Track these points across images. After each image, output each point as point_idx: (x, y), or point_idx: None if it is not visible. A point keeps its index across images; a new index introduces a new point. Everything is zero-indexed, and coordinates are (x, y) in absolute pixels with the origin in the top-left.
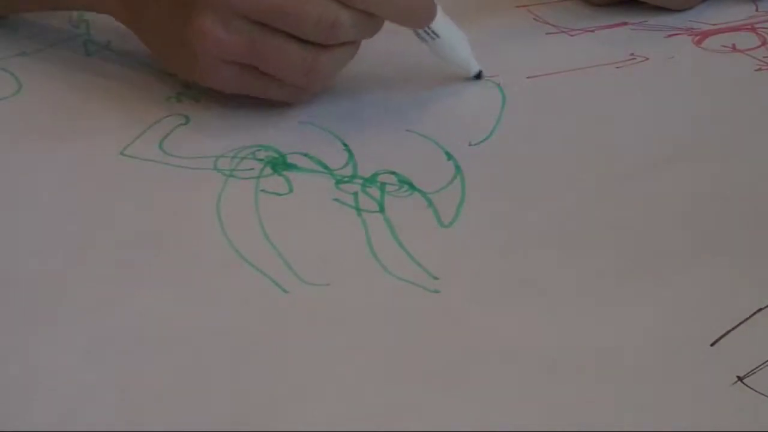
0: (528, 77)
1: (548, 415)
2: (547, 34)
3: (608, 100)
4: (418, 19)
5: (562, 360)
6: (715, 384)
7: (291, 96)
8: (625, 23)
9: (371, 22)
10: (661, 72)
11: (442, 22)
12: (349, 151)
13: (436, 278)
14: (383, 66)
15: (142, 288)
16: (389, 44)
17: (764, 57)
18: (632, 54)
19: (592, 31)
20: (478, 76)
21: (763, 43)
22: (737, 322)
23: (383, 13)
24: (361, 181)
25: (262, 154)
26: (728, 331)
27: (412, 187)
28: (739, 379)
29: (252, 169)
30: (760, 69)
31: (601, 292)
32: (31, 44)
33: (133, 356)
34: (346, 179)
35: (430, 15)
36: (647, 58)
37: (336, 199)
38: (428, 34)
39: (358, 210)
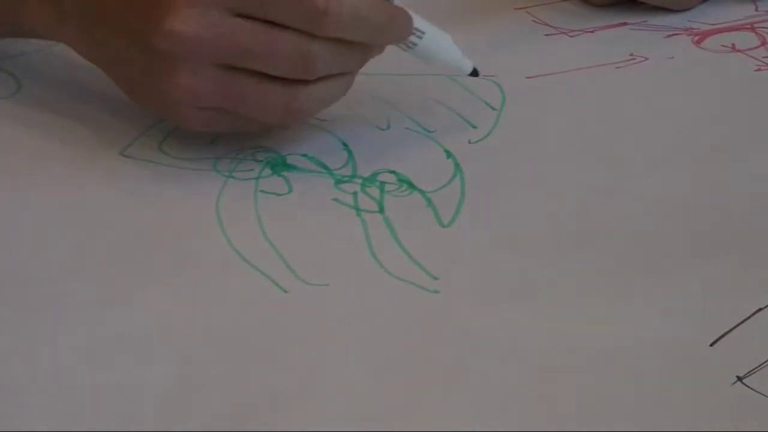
0: (527, 77)
1: (548, 415)
2: (546, 35)
3: (608, 100)
4: (397, 33)
5: (562, 360)
6: (715, 384)
7: (276, 127)
8: (625, 23)
9: (352, 50)
10: (661, 72)
11: (421, 21)
12: (349, 150)
13: (435, 278)
14: (382, 64)
15: (141, 288)
16: (388, 45)
17: (764, 57)
18: (632, 54)
19: (592, 31)
20: (474, 73)
21: (763, 43)
22: (737, 322)
23: (357, 37)
24: (360, 180)
25: (261, 156)
26: (728, 331)
27: (411, 186)
28: (739, 379)
29: (251, 170)
30: (759, 69)
31: (601, 292)
32: (31, 44)
33: (132, 356)
34: (345, 179)
35: (408, 26)
36: (647, 59)
37: (335, 199)
38: (412, 34)
39: (358, 210)
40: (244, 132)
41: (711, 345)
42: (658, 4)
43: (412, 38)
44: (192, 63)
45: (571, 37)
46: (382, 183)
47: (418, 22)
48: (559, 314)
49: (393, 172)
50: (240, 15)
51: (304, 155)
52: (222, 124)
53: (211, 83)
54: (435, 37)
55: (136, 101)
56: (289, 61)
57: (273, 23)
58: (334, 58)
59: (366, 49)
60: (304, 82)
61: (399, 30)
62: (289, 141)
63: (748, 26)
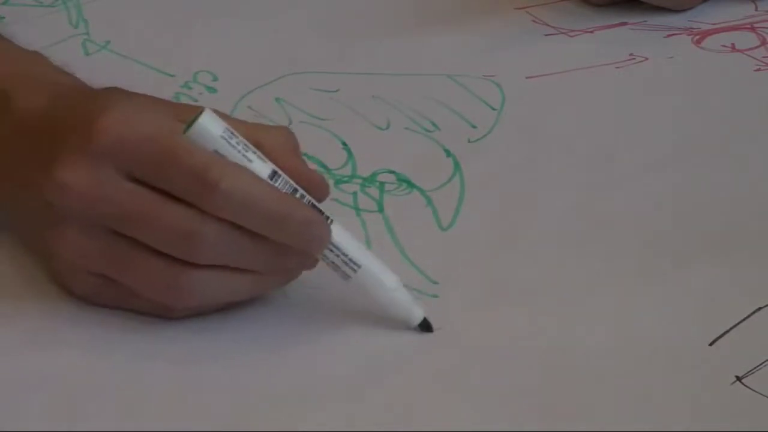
0: (527, 77)
1: (547, 415)
2: (546, 35)
3: (608, 100)
4: (298, 235)
5: (562, 360)
6: (714, 384)
7: (159, 312)
8: (625, 23)
9: (253, 243)
10: (661, 72)
11: (360, 250)
12: (349, 150)
13: (435, 282)
14: (382, 64)
15: None
16: (388, 45)
17: (763, 57)
18: (632, 54)
19: (592, 31)
20: (426, 326)
21: (763, 43)
22: (736, 322)
23: (249, 223)
24: (360, 180)
25: None
26: (727, 331)
27: (411, 185)
28: (738, 379)
29: None
30: (759, 69)
31: (600, 292)
32: (29, 44)
33: (132, 356)
34: (345, 179)
35: (320, 233)
36: (647, 58)
37: (335, 199)
38: (345, 263)
39: (357, 210)
40: (132, 309)
41: (711, 345)
42: (658, 4)
43: (346, 270)
44: (79, 219)
45: (571, 37)
46: (382, 183)
47: (356, 252)
48: (559, 314)
49: (392, 171)
50: (134, 179)
51: (304, 155)
52: (108, 296)
53: (97, 244)
54: (383, 272)
55: (28, 247)
56: (174, 236)
57: (166, 193)
58: (227, 244)
59: (280, 251)
60: (191, 264)
61: (301, 232)
62: None
63: (748, 26)
